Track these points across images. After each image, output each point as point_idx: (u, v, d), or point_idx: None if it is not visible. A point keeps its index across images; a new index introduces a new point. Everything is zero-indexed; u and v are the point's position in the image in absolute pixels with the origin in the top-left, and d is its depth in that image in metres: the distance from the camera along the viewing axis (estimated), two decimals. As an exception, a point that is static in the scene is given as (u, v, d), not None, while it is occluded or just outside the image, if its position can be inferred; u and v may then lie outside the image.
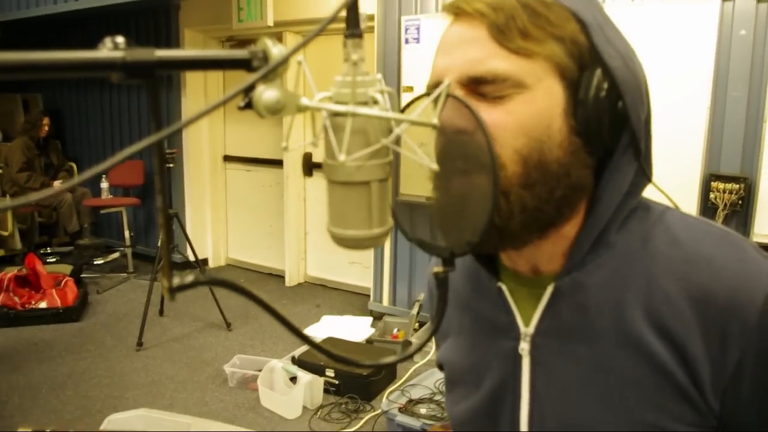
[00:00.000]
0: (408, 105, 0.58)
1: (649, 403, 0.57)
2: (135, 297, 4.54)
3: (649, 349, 0.57)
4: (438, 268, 0.54)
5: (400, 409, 2.62)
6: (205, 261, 5.36)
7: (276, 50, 0.38)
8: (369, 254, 4.14)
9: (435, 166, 0.45)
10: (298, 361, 3.18)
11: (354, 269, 4.70)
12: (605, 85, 0.56)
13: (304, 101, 0.40)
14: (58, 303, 4.08)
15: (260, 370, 3.09)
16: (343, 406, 2.98)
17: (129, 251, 5.25)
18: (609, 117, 0.56)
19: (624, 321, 0.58)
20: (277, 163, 4.98)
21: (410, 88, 3.69)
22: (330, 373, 3.08)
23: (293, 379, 3.04)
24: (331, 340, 3.43)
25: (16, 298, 4.05)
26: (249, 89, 0.38)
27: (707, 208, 2.83)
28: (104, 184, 5.38)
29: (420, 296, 3.74)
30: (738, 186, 2.77)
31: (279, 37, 4.61)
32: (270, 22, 4.22)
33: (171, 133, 0.34)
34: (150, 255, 5.28)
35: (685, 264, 0.57)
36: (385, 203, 0.44)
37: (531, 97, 0.55)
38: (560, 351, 0.62)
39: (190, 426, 2.56)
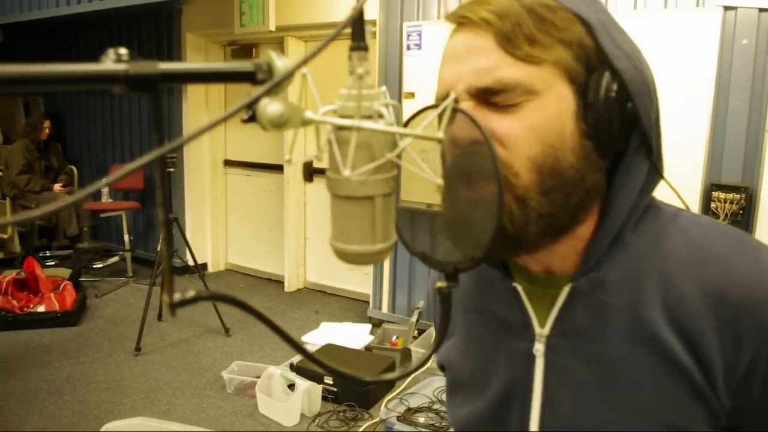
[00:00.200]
0: (412, 117, 0.57)
1: (665, 403, 0.57)
2: (134, 301, 4.53)
3: (666, 347, 0.57)
4: (441, 283, 0.53)
5: (398, 418, 2.61)
6: (204, 266, 5.35)
7: (281, 63, 0.38)
8: (369, 260, 4.12)
9: (440, 181, 0.44)
10: (296, 368, 3.17)
11: (353, 275, 4.69)
12: (614, 87, 0.56)
13: (309, 115, 0.40)
14: (57, 307, 4.07)
15: (258, 377, 3.08)
16: (342, 414, 2.96)
17: (128, 255, 5.24)
18: (619, 118, 0.56)
19: (641, 320, 0.58)
20: (278, 168, 4.98)
21: (412, 95, 3.69)
22: (328, 380, 3.06)
23: (291, 386, 3.02)
24: (329, 348, 3.41)
25: (15, 302, 4.03)
26: (253, 103, 0.37)
27: (708, 217, 2.83)
28: (104, 188, 5.37)
29: (419, 303, 3.73)
30: (739, 196, 2.77)
31: (280, 42, 4.62)
32: (272, 27, 4.23)
33: (173, 148, 0.34)
34: (149, 259, 5.27)
35: (699, 263, 0.58)
36: (389, 218, 0.43)
37: (542, 103, 0.55)
38: (575, 352, 0.62)
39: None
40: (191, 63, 0.38)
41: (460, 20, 0.58)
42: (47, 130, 5.45)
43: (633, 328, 0.59)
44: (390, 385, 3.17)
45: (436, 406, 2.70)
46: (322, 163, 0.45)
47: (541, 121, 0.55)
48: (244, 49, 5.12)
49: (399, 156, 0.42)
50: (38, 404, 3.01)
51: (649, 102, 0.58)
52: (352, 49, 0.41)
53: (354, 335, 3.77)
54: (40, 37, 6.26)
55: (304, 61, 0.37)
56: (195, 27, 4.99)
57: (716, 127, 2.84)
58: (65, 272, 4.61)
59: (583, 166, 0.57)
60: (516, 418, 0.66)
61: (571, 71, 0.56)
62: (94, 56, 0.33)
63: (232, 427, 2.87)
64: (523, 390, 0.65)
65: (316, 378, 3.04)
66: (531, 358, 0.64)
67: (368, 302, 4.16)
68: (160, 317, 4.14)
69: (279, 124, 0.38)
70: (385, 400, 2.86)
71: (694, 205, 2.85)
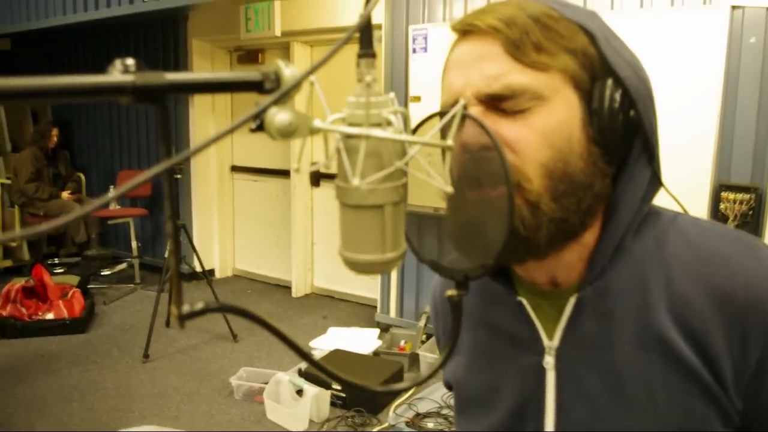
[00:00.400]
0: (420, 124, 0.57)
1: (679, 406, 0.57)
2: (142, 308, 4.54)
3: (675, 350, 0.57)
4: (452, 291, 0.52)
5: (407, 423, 2.60)
6: (211, 272, 5.36)
7: (288, 72, 0.37)
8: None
9: (450, 189, 0.44)
10: (304, 374, 3.16)
11: (361, 280, 4.68)
12: (618, 94, 0.57)
13: (317, 123, 0.39)
14: (65, 314, 4.08)
15: (266, 383, 3.07)
16: (350, 419, 2.95)
17: (136, 262, 5.26)
18: (623, 125, 0.57)
19: (649, 324, 0.58)
20: (285, 174, 4.99)
21: (417, 98, 3.69)
22: (337, 386, 3.05)
23: (300, 392, 3.01)
24: (337, 353, 3.41)
25: (24, 310, 4.05)
26: (261, 113, 0.37)
27: (717, 218, 2.80)
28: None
29: (427, 308, 3.72)
30: (748, 196, 2.74)
31: (286, 48, 4.63)
32: (278, 33, 4.24)
33: (181, 160, 0.33)
34: (157, 266, 5.28)
35: (701, 265, 0.58)
36: (399, 227, 0.42)
37: (551, 108, 0.56)
38: (585, 362, 0.61)
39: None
40: (198, 73, 0.38)
41: (467, 28, 0.59)
42: (55, 138, 5.48)
43: (641, 333, 0.58)
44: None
45: (444, 411, 2.69)
46: (329, 169, 0.45)
47: (551, 127, 0.56)
48: (250, 55, 5.13)
49: (407, 164, 0.42)
50: (47, 411, 3.02)
51: (651, 110, 0.59)
52: (359, 56, 0.40)
53: (362, 340, 3.76)
54: (47, 45, 6.31)
55: (312, 71, 0.36)
56: (201, 33, 5.01)
57: (724, 127, 2.82)
58: (74, 279, 4.63)
59: (592, 172, 0.57)
60: (530, 431, 0.65)
61: (576, 78, 0.57)
62: (102, 63, 0.33)
63: (240, 433, 2.86)
64: (536, 404, 0.64)
65: (325, 383, 3.03)
66: (541, 372, 0.64)
67: (376, 307, 4.15)
68: (168, 324, 4.14)
69: (287, 134, 0.37)
70: (394, 406, 2.85)
71: (703, 207, 2.82)
